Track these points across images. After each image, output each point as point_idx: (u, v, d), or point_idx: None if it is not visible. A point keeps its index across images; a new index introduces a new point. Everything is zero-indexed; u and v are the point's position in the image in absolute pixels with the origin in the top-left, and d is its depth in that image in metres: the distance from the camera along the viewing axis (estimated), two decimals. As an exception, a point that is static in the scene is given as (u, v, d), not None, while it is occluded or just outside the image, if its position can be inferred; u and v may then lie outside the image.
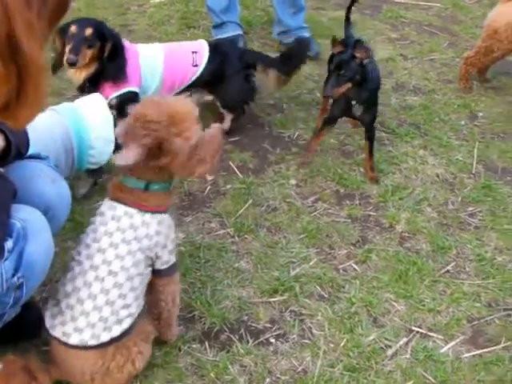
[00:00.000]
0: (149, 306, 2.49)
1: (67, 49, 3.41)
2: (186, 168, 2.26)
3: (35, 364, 2.20)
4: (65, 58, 3.41)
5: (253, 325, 2.76)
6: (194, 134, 2.19)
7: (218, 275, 2.98)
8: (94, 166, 3.17)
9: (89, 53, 3.46)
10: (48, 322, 2.26)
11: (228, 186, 3.59)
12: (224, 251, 3.12)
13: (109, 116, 3.11)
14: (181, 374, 2.51)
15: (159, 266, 2.36)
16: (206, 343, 2.65)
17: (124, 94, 3.59)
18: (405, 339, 2.72)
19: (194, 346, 2.64)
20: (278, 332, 2.73)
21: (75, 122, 3.03)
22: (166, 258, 2.36)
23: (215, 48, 3.91)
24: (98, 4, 5.43)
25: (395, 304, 2.88)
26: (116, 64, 3.53)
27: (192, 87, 3.85)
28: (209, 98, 4.03)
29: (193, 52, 3.82)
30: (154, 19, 5.26)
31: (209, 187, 3.58)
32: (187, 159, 2.22)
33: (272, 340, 2.70)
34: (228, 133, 3.88)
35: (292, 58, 4.04)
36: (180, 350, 2.61)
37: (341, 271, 3.06)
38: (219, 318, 2.75)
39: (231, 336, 2.70)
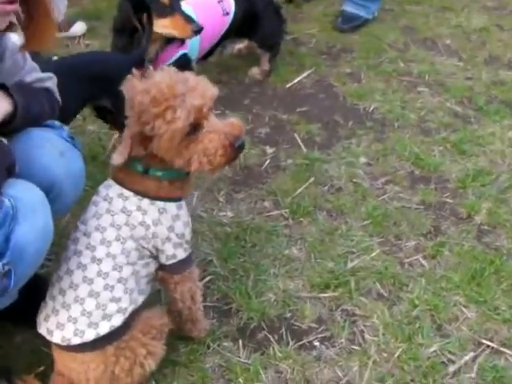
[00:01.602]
0: (168, 303, 2.22)
1: (180, 19, 3.09)
2: (175, 157, 1.88)
3: None
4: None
5: (296, 323, 2.41)
6: (180, 115, 1.78)
7: (264, 262, 2.64)
8: None
9: None
10: (37, 318, 1.99)
11: (289, 161, 3.23)
12: (275, 235, 2.78)
13: None
14: (205, 376, 2.20)
15: (164, 260, 2.03)
16: (240, 342, 2.33)
17: (180, 57, 3.30)
18: (472, 354, 2.31)
19: (225, 343, 2.32)
20: (323, 334, 2.38)
21: None
22: (171, 253, 2.02)
23: None
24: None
25: (465, 310, 2.46)
26: None
27: (225, 37, 3.62)
28: (239, 46, 4.02)
29: (219, 1, 3.53)
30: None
31: (268, 161, 3.23)
32: (176, 146, 1.84)
33: (316, 343, 2.35)
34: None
35: None
36: (208, 348, 2.30)
37: (406, 266, 2.66)
38: (258, 312, 2.42)
39: (269, 335, 2.36)
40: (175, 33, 3.11)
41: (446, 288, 2.55)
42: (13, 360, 2.24)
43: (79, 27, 4.22)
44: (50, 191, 1.92)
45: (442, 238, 2.79)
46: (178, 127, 1.78)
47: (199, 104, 1.80)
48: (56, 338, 1.90)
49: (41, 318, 1.97)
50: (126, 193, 1.95)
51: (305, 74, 3.96)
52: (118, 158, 1.85)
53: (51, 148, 1.97)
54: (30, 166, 1.86)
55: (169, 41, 3.22)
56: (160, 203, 1.97)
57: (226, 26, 3.57)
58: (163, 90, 1.79)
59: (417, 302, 2.48)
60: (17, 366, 2.20)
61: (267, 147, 3.33)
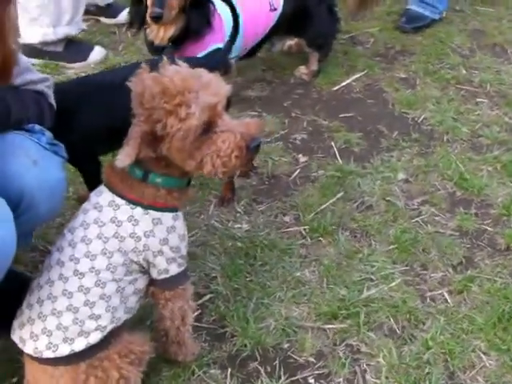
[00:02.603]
0: (156, 319, 2.05)
1: (149, 1, 2.88)
2: (187, 158, 1.75)
3: None
4: (148, 12, 2.88)
5: (293, 356, 2.22)
6: (195, 111, 1.66)
7: (271, 284, 2.46)
8: None
9: (175, 4, 2.90)
10: (13, 324, 1.89)
11: (320, 172, 3.02)
12: (288, 254, 2.58)
13: None
14: (183, 406, 2.04)
15: (155, 274, 1.90)
16: (229, 370, 2.16)
17: (212, 51, 3.05)
18: (484, 411, 2.07)
19: (212, 371, 2.16)
20: (321, 371, 2.18)
21: None
22: (163, 267, 1.88)
23: None
24: None
25: (483, 357, 2.22)
26: (201, 14, 2.99)
27: (273, 34, 3.41)
28: (290, 43, 3.83)
29: None
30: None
31: (298, 171, 3.02)
32: (188, 147, 1.72)
33: (311, 380, 2.15)
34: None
35: None
36: (193, 374, 2.14)
37: (427, 300, 2.42)
38: (253, 340, 2.24)
39: (260, 367, 2.17)
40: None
41: (467, 330, 2.30)
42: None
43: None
44: (20, 201, 1.80)
45: (472, 272, 2.53)
46: (192, 125, 1.67)
47: (213, 101, 1.70)
48: (28, 348, 1.81)
49: (15, 324, 1.87)
50: (118, 201, 1.82)
51: (355, 77, 3.72)
52: (124, 160, 1.71)
53: (23, 156, 1.83)
54: None
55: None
56: (155, 213, 1.83)
57: (273, 22, 3.36)
58: (176, 82, 1.68)
59: (431, 343, 2.25)
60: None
61: (300, 155, 3.12)
